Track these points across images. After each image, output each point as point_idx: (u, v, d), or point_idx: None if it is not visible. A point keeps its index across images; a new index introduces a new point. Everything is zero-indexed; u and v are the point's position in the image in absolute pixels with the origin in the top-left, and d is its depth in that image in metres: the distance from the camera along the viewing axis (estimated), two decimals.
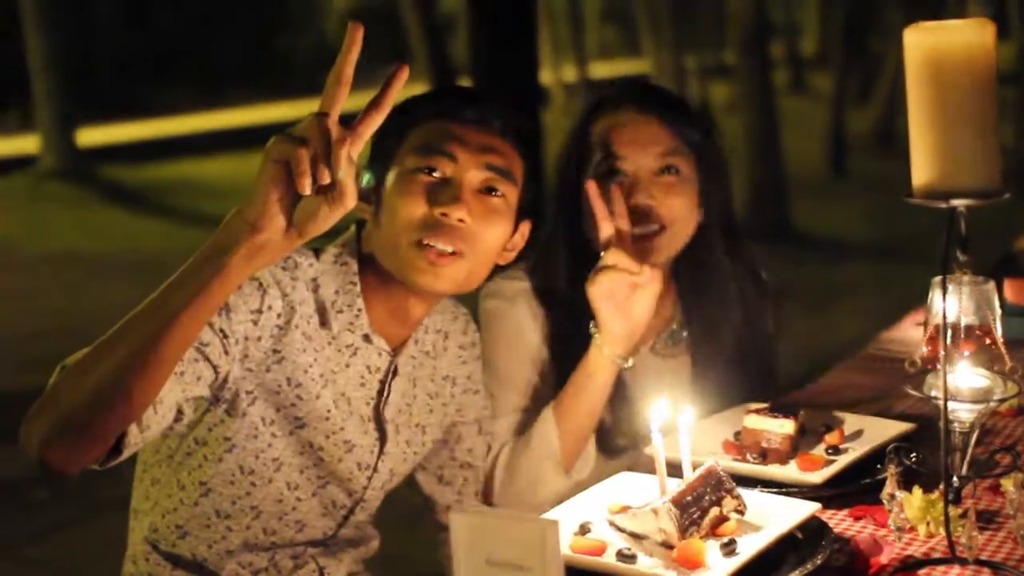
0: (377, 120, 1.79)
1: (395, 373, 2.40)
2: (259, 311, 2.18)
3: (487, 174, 2.30)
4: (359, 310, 2.31)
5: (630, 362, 2.55)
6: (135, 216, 15.75)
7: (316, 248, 2.32)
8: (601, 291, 2.48)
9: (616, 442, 2.70)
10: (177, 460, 2.34)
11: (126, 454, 1.96)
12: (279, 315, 2.21)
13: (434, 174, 2.26)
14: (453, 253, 2.25)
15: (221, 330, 2.13)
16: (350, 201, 1.75)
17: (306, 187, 1.70)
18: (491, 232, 2.31)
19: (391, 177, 2.29)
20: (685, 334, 2.82)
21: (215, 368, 2.14)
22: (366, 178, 2.32)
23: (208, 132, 22.65)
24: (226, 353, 2.14)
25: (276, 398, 2.26)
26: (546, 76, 22.71)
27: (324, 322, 2.28)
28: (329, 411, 2.31)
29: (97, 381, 1.82)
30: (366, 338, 2.33)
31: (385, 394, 2.40)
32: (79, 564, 5.32)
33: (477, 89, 2.42)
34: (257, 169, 1.75)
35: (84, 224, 15.14)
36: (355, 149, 1.74)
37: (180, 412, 2.09)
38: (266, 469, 2.31)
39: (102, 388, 1.82)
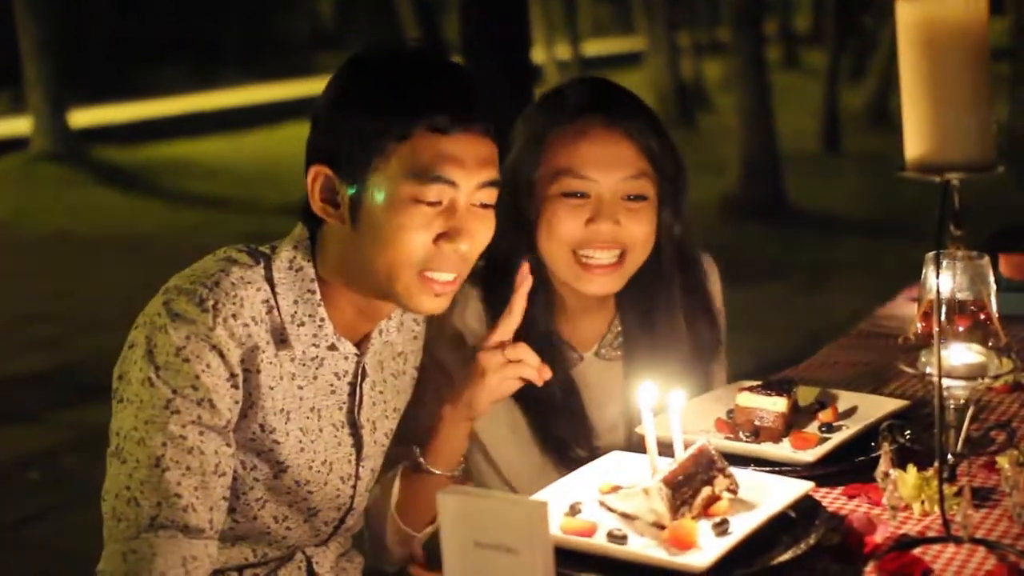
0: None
1: (364, 375, 2.32)
2: (233, 375, 2.09)
3: (484, 192, 2.18)
4: (322, 319, 2.20)
5: (459, 470, 2.46)
6: (129, 197, 15.74)
7: (264, 253, 2.21)
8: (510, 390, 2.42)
9: (575, 453, 2.59)
10: None
11: None
12: (242, 361, 2.11)
13: (431, 201, 2.11)
14: (455, 278, 2.19)
15: (223, 425, 2.09)
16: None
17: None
18: (484, 242, 2.22)
19: (377, 194, 2.10)
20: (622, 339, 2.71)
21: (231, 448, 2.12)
22: (350, 190, 2.13)
23: (202, 113, 22.64)
24: (230, 430, 2.11)
25: (253, 444, 2.19)
26: (539, 54, 22.67)
27: (283, 341, 2.17)
28: (301, 441, 2.23)
29: None
30: (331, 347, 2.24)
31: (358, 398, 2.32)
32: (75, 547, 5.30)
33: (456, 77, 2.18)
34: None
35: (77, 206, 15.13)
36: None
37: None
38: (248, 509, 2.25)
39: None
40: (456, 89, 2.16)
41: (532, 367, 2.37)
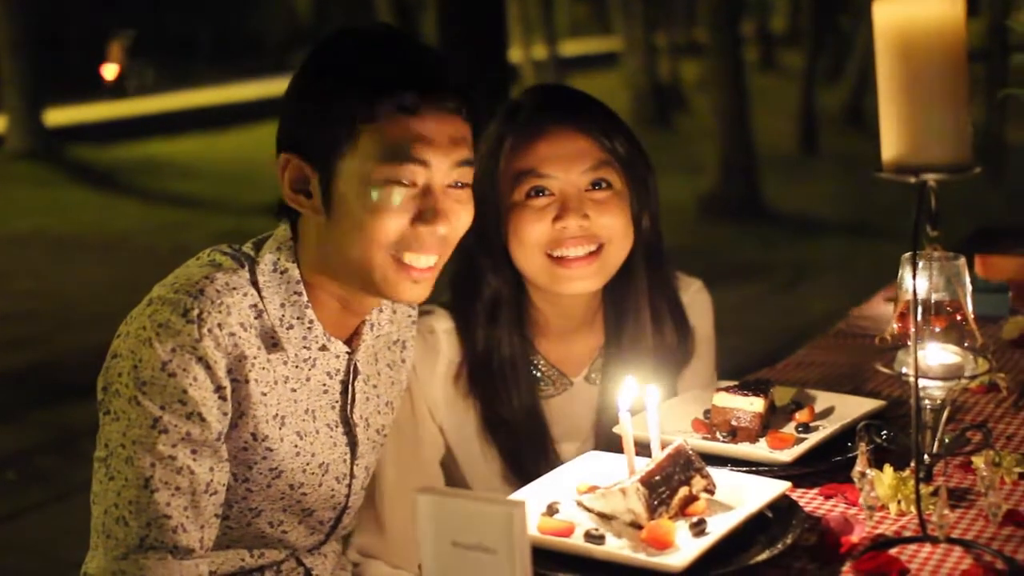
0: None
1: (356, 373, 2.27)
2: (221, 387, 2.03)
3: (458, 171, 2.12)
4: (311, 322, 2.14)
5: None
6: (104, 196, 15.71)
7: (248, 255, 2.15)
8: None
9: None
10: None
11: None
12: (230, 371, 2.06)
13: (405, 183, 2.05)
14: (434, 263, 2.14)
15: (215, 438, 2.05)
16: None
17: None
18: (463, 225, 2.16)
19: (348, 179, 2.05)
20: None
21: (225, 464, 2.09)
22: (321, 177, 2.08)
23: (177, 111, 22.61)
24: (223, 442, 2.07)
25: (244, 454, 2.14)
26: (516, 54, 22.68)
27: (275, 344, 2.11)
28: (297, 445, 2.18)
29: None
30: (322, 348, 2.18)
31: (350, 395, 2.27)
32: (51, 546, 5.29)
33: (421, 53, 2.10)
34: None
35: (52, 204, 15.09)
36: None
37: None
38: (243, 516, 2.21)
39: None
40: (422, 65, 2.08)
41: None
